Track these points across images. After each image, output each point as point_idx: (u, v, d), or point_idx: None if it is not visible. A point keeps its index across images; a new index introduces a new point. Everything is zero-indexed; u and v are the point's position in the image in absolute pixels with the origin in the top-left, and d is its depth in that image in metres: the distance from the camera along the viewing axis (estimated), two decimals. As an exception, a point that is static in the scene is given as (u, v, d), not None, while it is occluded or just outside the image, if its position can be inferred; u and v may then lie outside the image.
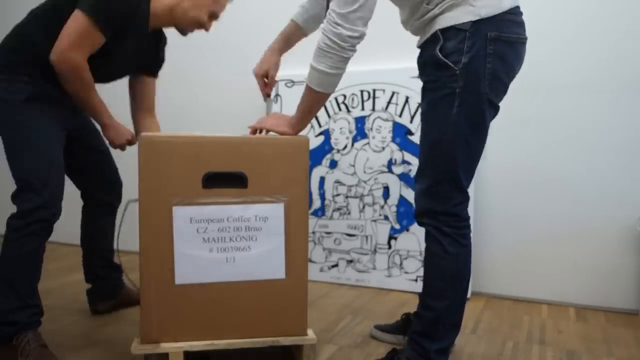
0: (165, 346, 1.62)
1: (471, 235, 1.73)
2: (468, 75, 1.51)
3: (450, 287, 1.66)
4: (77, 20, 1.78)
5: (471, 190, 2.65)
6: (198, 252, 1.60)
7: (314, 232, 2.94)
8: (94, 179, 2.23)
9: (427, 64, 1.60)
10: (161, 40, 2.19)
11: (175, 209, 1.58)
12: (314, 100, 1.65)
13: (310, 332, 1.76)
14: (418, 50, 1.71)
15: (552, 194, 2.64)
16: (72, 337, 2.06)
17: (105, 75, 2.02)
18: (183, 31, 2.03)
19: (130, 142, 1.99)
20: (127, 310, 2.36)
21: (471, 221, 2.60)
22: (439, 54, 1.52)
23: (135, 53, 2.03)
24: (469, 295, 2.64)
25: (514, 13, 1.60)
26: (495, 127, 2.70)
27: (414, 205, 1.74)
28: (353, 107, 2.86)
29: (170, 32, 2.12)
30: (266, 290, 1.66)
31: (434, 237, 1.65)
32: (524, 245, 2.68)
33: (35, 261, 1.85)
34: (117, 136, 1.96)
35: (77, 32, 1.78)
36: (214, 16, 2.02)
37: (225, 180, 1.62)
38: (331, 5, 1.50)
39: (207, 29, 2.03)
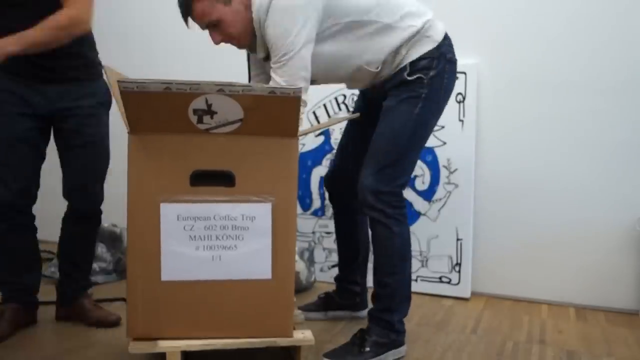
0: (163, 345, 1.63)
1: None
2: (432, 85, 1.86)
3: (400, 263, 1.91)
4: None
5: (471, 191, 2.66)
6: (184, 250, 1.61)
7: (314, 232, 2.95)
8: (66, 182, 2.13)
9: (398, 84, 1.89)
10: None
11: (163, 206, 1.59)
12: None
13: (308, 333, 1.75)
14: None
15: (551, 194, 2.62)
16: (71, 336, 2.08)
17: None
18: None
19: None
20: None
21: (471, 222, 2.65)
22: (407, 77, 1.85)
23: None
24: (468, 295, 2.66)
25: (450, 38, 1.95)
26: (495, 128, 2.70)
27: (365, 193, 1.87)
28: (353, 107, 2.85)
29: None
30: (251, 290, 1.66)
31: (379, 221, 1.87)
32: (524, 245, 2.66)
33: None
34: None
35: None
36: None
37: (213, 179, 1.63)
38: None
39: None
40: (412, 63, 1.85)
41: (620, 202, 2.50)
